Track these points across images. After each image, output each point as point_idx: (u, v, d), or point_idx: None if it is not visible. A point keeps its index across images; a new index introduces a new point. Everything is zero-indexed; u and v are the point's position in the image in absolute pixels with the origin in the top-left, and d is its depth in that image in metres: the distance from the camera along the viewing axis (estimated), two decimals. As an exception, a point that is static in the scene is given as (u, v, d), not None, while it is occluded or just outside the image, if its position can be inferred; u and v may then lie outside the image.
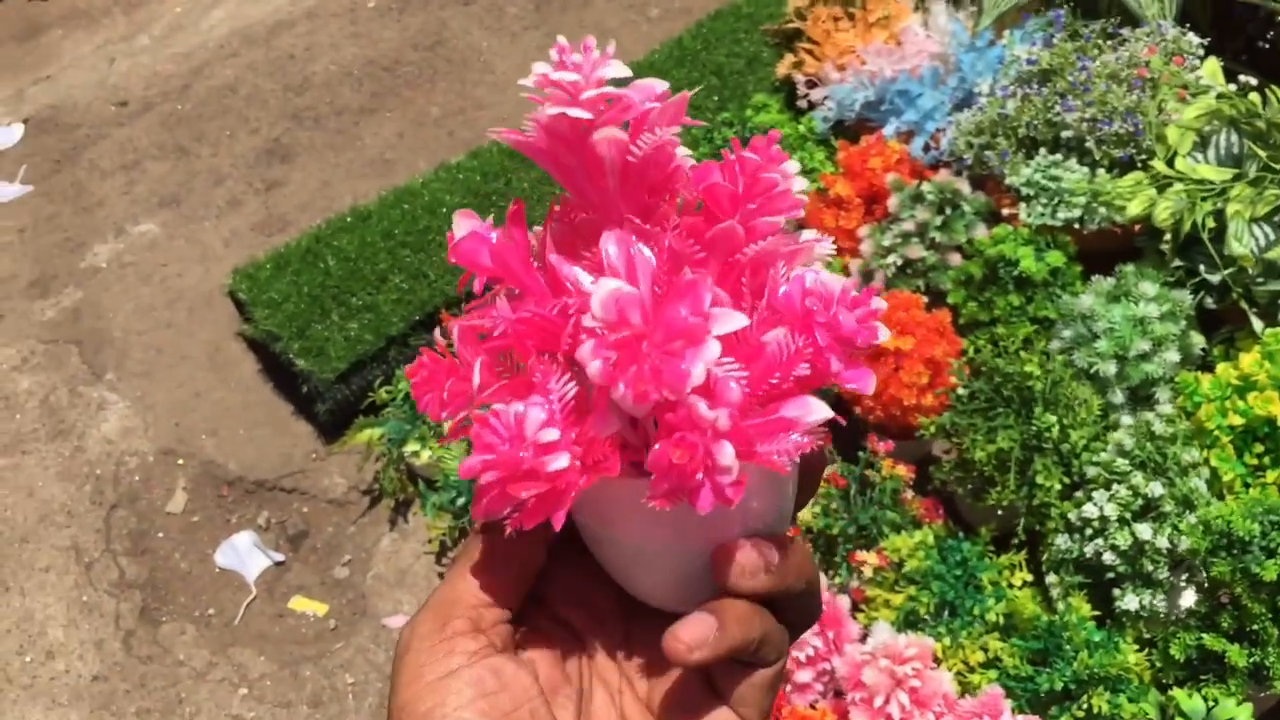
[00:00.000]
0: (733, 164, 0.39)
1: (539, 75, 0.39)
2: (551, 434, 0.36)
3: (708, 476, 0.35)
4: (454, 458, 2.01)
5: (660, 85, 0.40)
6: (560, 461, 0.36)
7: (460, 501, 1.98)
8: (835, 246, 0.43)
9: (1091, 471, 1.62)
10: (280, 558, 2.11)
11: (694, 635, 0.40)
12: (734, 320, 0.36)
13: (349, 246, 2.30)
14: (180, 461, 2.24)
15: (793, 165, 0.40)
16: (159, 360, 2.39)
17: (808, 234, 0.42)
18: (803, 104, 2.24)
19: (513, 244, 0.40)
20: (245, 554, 2.12)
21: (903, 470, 1.77)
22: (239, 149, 2.80)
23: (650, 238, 0.39)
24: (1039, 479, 1.63)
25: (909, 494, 1.78)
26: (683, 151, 0.41)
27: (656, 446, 0.36)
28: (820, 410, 0.37)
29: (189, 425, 2.29)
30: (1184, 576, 1.56)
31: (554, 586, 0.46)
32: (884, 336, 0.39)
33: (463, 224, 0.41)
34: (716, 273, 0.39)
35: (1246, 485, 1.63)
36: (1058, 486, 1.62)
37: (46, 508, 2.19)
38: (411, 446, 2.05)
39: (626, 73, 0.39)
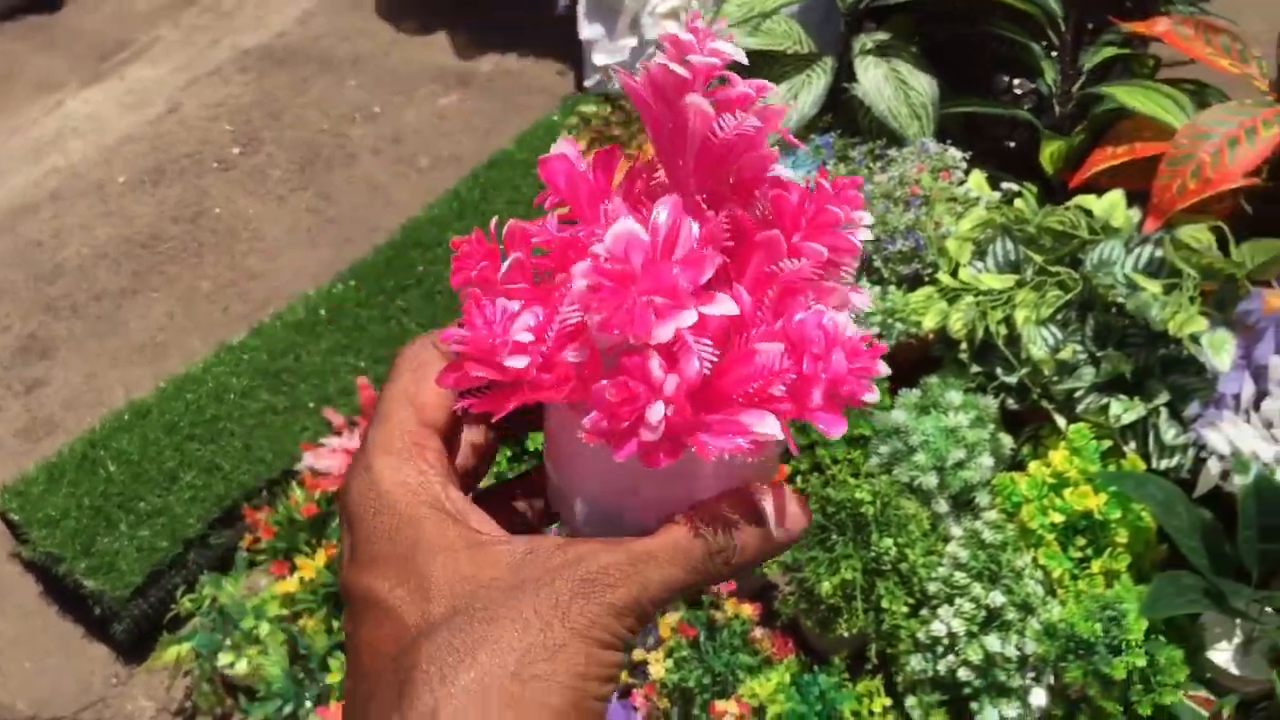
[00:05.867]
0: (808, 189, 0.40)
1: (668, 34, 0.40)
2: (526, 336, 0.38)
3: (634, 427, 0.36)
4: (273, 664, 1.87)
5: (770, 86, 0.41)
6: (517, 362, 0.38)
7: (287, 710, 1.83)
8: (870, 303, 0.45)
9: (933, 588, 1.64)
10: (88, 804, 1.90)
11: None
12: (724, 305, 0.37)
13: (129, 447, 2.13)
14: (-42, 712, 2.00)
15: (865, 216, 0.41)
16: (-79, 598, 2.14)
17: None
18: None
19: (588, 181, 0.42)
20: (46, 805, 1.90)
21: (748, 609, 1.75)
22: (-10, 349, 2.58)
23: (702, 218, 0.39)
24: (884, 603, 1.63)
25: (758, 632, 1.76)
26: (783, 170, 0.41)
27: (604, 381, 0.37)
28: (770, 425, 0.37)
29: (-36, 668, 2.05)
30: (1030, 676, 1.59)
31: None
32: (873, 398, 0.38)
33: (560, 146, 0.42)
34: (751, 277, 0.40)
35: (1074, 577, 1.68)
36: (904, 609, 1.63)
37: None
38: (226, 658, 1.89)
39: (741, 56, 0.40)
